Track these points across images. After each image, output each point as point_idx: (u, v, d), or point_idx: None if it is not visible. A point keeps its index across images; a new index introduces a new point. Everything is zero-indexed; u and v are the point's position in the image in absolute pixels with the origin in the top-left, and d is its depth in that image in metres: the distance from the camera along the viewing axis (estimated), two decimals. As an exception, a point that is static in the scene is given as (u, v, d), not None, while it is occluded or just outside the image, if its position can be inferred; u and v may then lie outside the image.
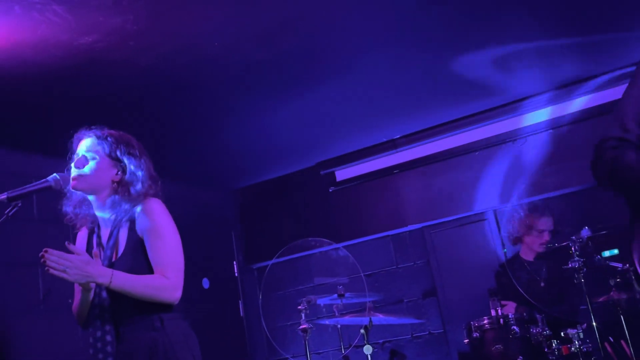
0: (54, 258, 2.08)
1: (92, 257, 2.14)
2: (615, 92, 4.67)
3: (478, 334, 3.70)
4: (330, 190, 5.64)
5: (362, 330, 3.98)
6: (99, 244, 2.33)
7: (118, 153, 2.31)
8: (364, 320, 3.99)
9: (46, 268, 2.08)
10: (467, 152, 5.17)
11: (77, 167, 2.28)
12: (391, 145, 5.40)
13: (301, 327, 3.84)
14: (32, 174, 3.99)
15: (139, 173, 2.32)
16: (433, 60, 3.97)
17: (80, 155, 2.30)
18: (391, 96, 4.48)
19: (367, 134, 5.20)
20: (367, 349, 3.93)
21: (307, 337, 3.85)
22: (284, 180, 5.86)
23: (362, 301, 4.20)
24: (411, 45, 3.73)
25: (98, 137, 2.33)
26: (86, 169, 2.27)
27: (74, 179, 2.26)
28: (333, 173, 5.65)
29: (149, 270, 2.22)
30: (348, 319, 4.17)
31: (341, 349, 4.31)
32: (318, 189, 5.68)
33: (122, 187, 2.29)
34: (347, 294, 4.13)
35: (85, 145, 2.32)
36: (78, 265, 2.08)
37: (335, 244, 5.16)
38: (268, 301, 5.70)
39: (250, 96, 4.04)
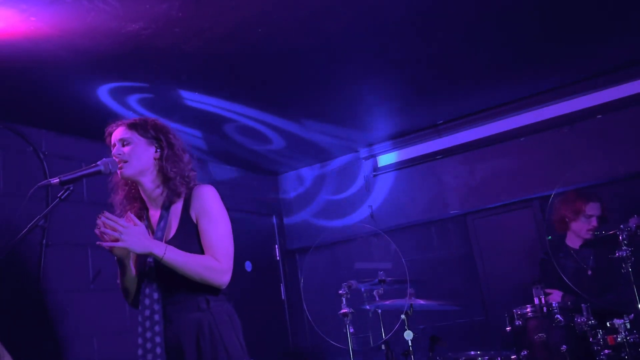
0: (110, 223, 2.14)
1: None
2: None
3: (520, 322, 3.66)
4: (372, 176, 5.64)
5: (402, 316, 3.98)
6: (148, 226, 2.40)
7: (151, 132, 2.40)
8: (405, 305, 3.99)
9: (100, 232, 2.15)
10: (511, 138, 5.09)
11: (117, 155, 2.35)
12: (434, 130, 5.35)
13: (342, 311, 3.86)
14: (81, 158, 4.14)
15: (177, 145, 2.41)
16: (476, 42, 3.90)
17: (118, 143, 2.38)
18: (434, 80, 4.43)
19: (410, 118, 5.15)
20: (408, 334, 3.93)
21: (348, 322, 3.87)
22: (326, 164, 5.88)
23: (403, 287, 4.19)
24: (455, 23, 3.67)
25: (127, 125, 2.41)
26: (126, 156, 2.35)
27: (119, 168, 2.33)
28: (376, 158, 5.64)
29: (201, 253, 2.27)
30: (389, 304, 4.18)
31: (382, 333, 4.32)
32: (360, 173, 5.68)
33: (167, 162, 2.36)
34: (388, 280, 4.13)
35: (117, 135, 2.39)
36: (134, 232, 2.16)
37: (377, 229, 5.16)
38: (309, 286, 5.75)
39: (293, 83, 4.06)
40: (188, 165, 2.42)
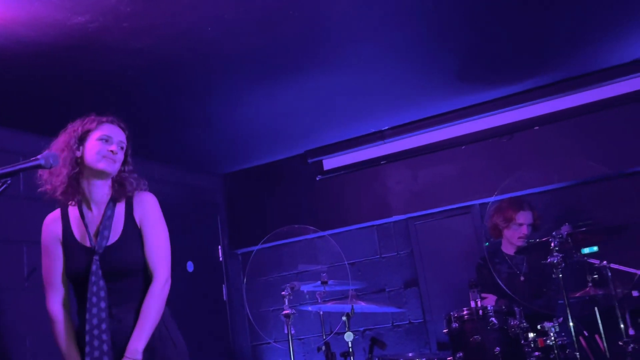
0: None
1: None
2: (602, 92, 4.75)
3: (457, 325, 3.77)
4: (317, 179, 5.68)
5: (343, 318, 4.03)
6: (83, 222, 2.42)
7: (129, 146, 2.53)
8: (346, 307, 4.04)
9: None
10: (453, 145, 5.23)
11: (116, 152, 2.43)
12: (379, 136, 5.44)
13: (284, 312, 3.88)
14: (20, 152, 4.01)
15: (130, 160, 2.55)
16: (425, 49, 4.00)
17: (116, 143, 2.45)
18: (382, 87, 4.52)
19: (356, 124, 5.23)
20: (348, 336, 3.98)
21: (289, 323, 3.89)
22: (272, 167, 5.89)
23: (344, 289, 4.25)
24: (404, 35, 3.76)
25: (126, 132, 2.51)
26: (118, 157, 2.44)
27: (113, 161, 2.41)
28: (321, 162, 5.69)
29: (143, 257, 2.38)
30: (330, 306, 4.22)
31: (323, 335, 4.37)
32: (305, 176, 5.72)
33: (126, 173, 2.49)
34: (330, 282, 4.18)
35: (120, 136, 2.48)
36: None
37: (321, 232, 5.21)
38: (252, 286, 5.74)
39: (243, 82, 4.06)
40: (133, 170, 2.53)
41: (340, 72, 4.14)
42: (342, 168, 5.63)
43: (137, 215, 2.42)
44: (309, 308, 4.29)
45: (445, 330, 3.89)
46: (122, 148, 2.47)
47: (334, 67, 4.04)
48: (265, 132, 5.09)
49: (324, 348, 4.32)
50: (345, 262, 4.40)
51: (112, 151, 2.40)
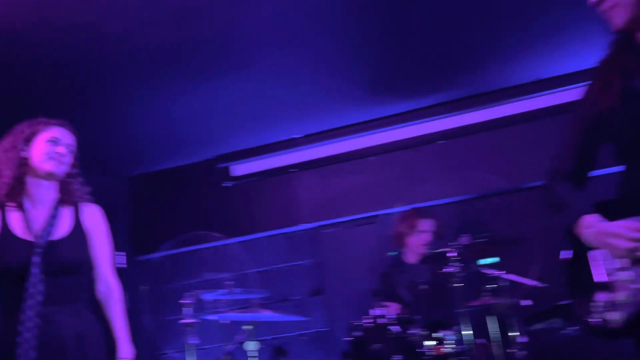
0: None
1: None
2: (503, 110, 4.99)
3: (359, 333, 3.80)
4: (226, 185, 5.59)
5: (247, 327, 3.98)
6: (26, 221, 2.37)
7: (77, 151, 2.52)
8: (250, 316, 3.99)
9: None
10: (363, 156, 5.31)
11: (64, 154, 2.42)
12: (291, 143, 5.44)
13: (186, 321, 3.78)
14: None
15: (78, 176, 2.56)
16: (337, 61, 4.04)
17: (65, 145, 2.44)
18: (294, 95, 4.52)
19: (267, 130, 5.21)
20: (252, 345, 3.93)
21: (191, 332, 3.79)
22: (180, 171, 5.74)
23: (249, 297, 4.20)
24: (318, 45, 3.79)
25: (73, 134, 2.50)
26: (66, 160, 2.44)
27: (61, 162, 2.40)
28: (230, 168, 5.60)
29: (89, 259, 2.43)
30: (234, 315, 4.15)
31: (226, 344, 4.28)
32: (214, 182, 5.62)
33: (73, 177, 2.51)
34: (235, 290, 4.11)
35: (68, 139, 2.47)
36: None
37: (228, 239, 5.12)
38: (155, 295, 5.56)
39: (150, 82, 3.94)
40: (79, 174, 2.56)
41: (255, 78, 4.11)
42: (252, 175, 5.58)
43: (86, 224, 2.46)
44: (213, 317, 4.20)
45: (347, 339, 3.92)
46: (70, 151, 2.46)
47: (248, 71, 4.01)
48: (174, 135, 4.97)
49: (227, 358, 4.24)
50: (251, 270, 4.34)
51: (59, 153, 2.40)
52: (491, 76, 4.70)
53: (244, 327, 3.99)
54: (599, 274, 1.70)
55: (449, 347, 3.53)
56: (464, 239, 3.74)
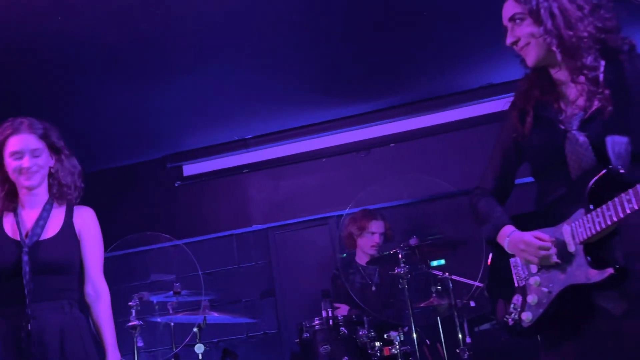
0: None
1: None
2: (451, 115, 5.09)
3: (308, 334, 3.80)
4: (176, 185, 5.51)
5: (195, 329, 3.93)
6: (18, 224, 2.40)
7: (54, 141, 2.45)
8: (198, 318, 3.94)
9: None
10: (314, 158, 5.32)
11: (31, 166, 2.36)
12: (243, 144, 5.40)
13: (130, 324, 3.70)
14: None
15: (68, 152, 2.51)
16: (290, 62, 4.04)
17: (28, 154, 2.37)
18: (246, 95, 4.49)
19: (219, 130, 5.16)
20: (199, 348, 3.87)
21: (136, 335, 3.71)
22: (128, 170, 5.61)
23: (198, 299, 4.14)
24: (270, 46, 3.77)
25: (38, 135, 2.41)
26: (36, 167, 2.38)
27: (30, 175, 2.36)
28: (180, 167, 5.52)
29: (77, 261, 2.44)
30: (181, 317, 4.08)
31: (172, 347, 4.20)
32: (164, 182, 5.52)
33: (62, 171, 2.47)
34: (183, 292, 4.05)
35: (30, 144, 2.38)
36: None
37: (176, 240, 5.04)
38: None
39: (99, 80, 3.85)
40: (79, 176, 2.54)
41: (207, 77, 4.07)
42: (202, 175, 5.51)
43: (78, 226, 2.47)
44: (159, 319, 4.12)
45: (296, 340, 3.91)
46: (36, 156, 2.38)
47: (200, 71, 3.96)
48: (123, 134, 4.86)
49: (173, 360, 4.17)
50: (200, 272, 4.28)
51: (25, 167, 2.35)
52: (443, 81, 4.79)
53: (192, 329, 3.93)
54: (515, 279, 1.93)
55: (397, 348, 3.56)
56: (413, 241, 3.79)
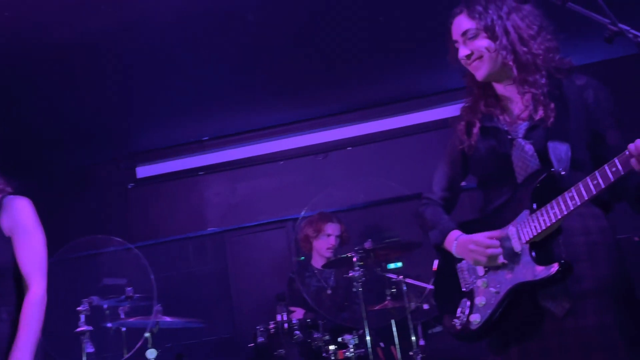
0: None
1: None
2: (407, 119, 5.14)
3: (263, 339, 3.77)
4: (129, 187, 5.40)
5: (147, 334, 3.85)
6: None
7: None
8: (151, 323, 3.87)
9: None
10: (272, 160, 5.30)
11: None
12: (199, 146, 5.33)
13: (79, 329, 3.60)
14: None
15: None
16: (248, 63, 4.01)
17: None
18: (203, 96, 4.44)
19: (175, 131, 5.08)
20: (151, 353, 3.80)
21: (85, 341, 3.62)
22: (80, 171, 5.47)
23: (150, 304, 4.06)
24: (227, 47, 3.73)
25: None
26: None
27: None
28: (134, 169, 5.42)
29: (14, 265, 2.24)
30: (133, 322, 4.00)
31: (124, 352, 4.12)
32: (117, 183, 5.41)
33: None
34: (135, 296, 3.97)
35: None
36: None
37: (128, 243, 4.93)
38: (49, 302, 5.25)
39: (51, 77, 3.74)
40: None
41: (161, 76, 3.99)
42: (157, 177, 5.41)
43: (6, 223, 2.25)
44: (110, 324, 4.03)
45: (251, 345, 3.88)
46: None
47: (155, 70, 3.88)
48: (73, 133, 4.73)
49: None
50: (152, 276, 4.20)
51: None
52: (400, 86, 4.83)
53: (144, 334, 3.86)
54: (462, 283, 1.98)
55: (351, 351, 3.56)
56: (368, 244, 3.80)
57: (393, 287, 3.95)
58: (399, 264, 4.59)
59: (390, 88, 4.86)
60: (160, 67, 3.86)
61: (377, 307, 3.91)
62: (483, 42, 1.90)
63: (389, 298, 3.93)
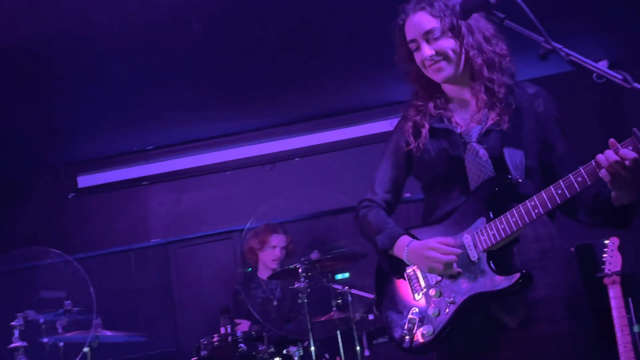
0: None
1: None
2: (353, 131, 5.19)
3: (206, 352, 3.70)
4: (69, 197, 5.23)
5: (86, 349, 3.73)
6: None
7: None
8: (90, 337, 3.75)
9: None
10: (218, 170, 5.24)
11: None
12: (143, 155, 5.23)
13: (12, 345, 3.45)
14: None
15: None
16: (194, 71, 3.96)
17: None
18: (147, 104, 4.36)
19: (118, 140, 4.97)
20: (90, 369, 3.68)
21: (19, 358, 3.47)
22: (15, 180, 5.26)
23: (90, 317, 3.93)
24: (172, 54, 3.68)
25: None
26: None
27: None
28: (75, 178, 5.25)
29: None
30: (72, 336, 3.87)
31: (62, 368, 3.97)
32: (57, 193, 5.23)
33: None
34: (74, 310, 3.85)
35: None
36: None
37: (67, 255, 4.77)
38: (-18, 316, 5.02)
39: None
40: None
41: (105, 83, 3.90)
42: (99, 187, 5.27)
43: None
44: (46, 340, 3.87)
45: (194, 358, 3.80)
46: None
47: (98, 76, 3.79)
48: (10, 141, 4.55)
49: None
50: (91, 289, 4.07)
51: None
52: (347, 98, 4.88)
53: (83, 349, 3.74)
54: (412, 292, 1.87)
55: (296, 363, 3.55)
56: (314, 255, 3.80)
57: (339, 297, 3.96)
58: (347, 275, 4.61)
59: (337, 100, 4.90)
60: (103, 74, 3.78)
61: (322, 318, 3.91)
62: (449, 43, 1.81)
63: (334, 309, 3.94)
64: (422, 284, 1.85)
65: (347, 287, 3.90)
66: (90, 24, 3.19)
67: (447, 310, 1.76)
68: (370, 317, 3.93)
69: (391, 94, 4.87)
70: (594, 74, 1.40)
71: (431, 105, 1.92)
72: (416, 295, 1.86)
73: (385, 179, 2.03)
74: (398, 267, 1.91)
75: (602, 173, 1.53)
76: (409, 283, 1.88)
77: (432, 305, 1.80)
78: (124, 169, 5.27)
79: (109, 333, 3.89)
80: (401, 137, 1.98)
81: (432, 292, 1.81)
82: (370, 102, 5.06)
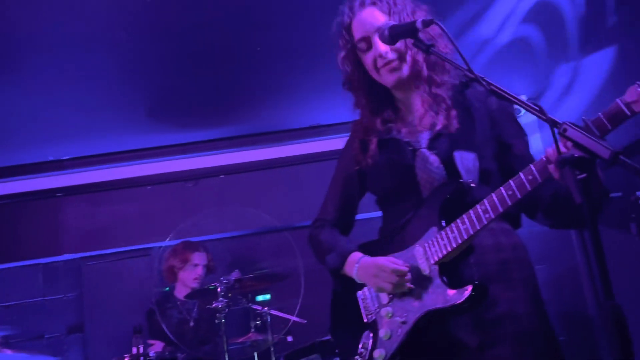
0: None
1: None
2: (279, 151, 5.18)
3: (116, 374, 3.55)
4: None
5: (-17, 370, 3.47)
6: None
7: None
8: (-11, 357, 3.49)
9: None
10: (138, 185, 5.08)
11: None
12: (57, 165, 4.99)
13: None
14: None
15: None
16: (115, 81, 3.83)
17: None
18: (64, 113, 4.16)
19: (30, 150, 4.71)
20: (-15, 392, 3.42)
21: None
22: None
23: (-12, 336, 3.67)
24: (93, 62, 3.54)
25: None
26: None
27: None
28: (-18, 187, 4.95)
29: None
30: (-33, 357, 3.59)
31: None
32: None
33: None
34: (-28, 327, 3.58)
35: None
36: None
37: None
38: None
39: None
40: None
41: (18, 87, 3.70)
42: (7, 196, 4.97)
43: None
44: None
45: (103, 380, 3.63)
46: None
47: (10, 80, 3.59)
48: None
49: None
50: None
51: None
52: (275, 117, 4.86)
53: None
54: (364, 313, 1.78)
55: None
56: (235, 274, 3.73)
57: (258, 319, 3.90)
58: (268, 297, 4.55)
59: (265, 119, 4.88)
60: (17, 79, 3.58)
61: (240, 340, 3.84)
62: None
63: (253, 330, 3.87)
64: (374, 305, 1.75)
65: (266, 308, 3.84)
66: (10, 25, 3.03)
67: (399, 331, 1.64)
68: (289, 338, 3.88)
69: (319, 116, 4.91)
70: (514, 105, 1.43)
71: (378, 120, 1.82)
72: (369, 317, 1.75)
73: (335, 198, 1.98)
74: (352, 288, 1.81)
75: (551, 168, 1.40)
76: (362, 304, 1.78)
77: (384, 327, 1.68)
78: (37, 178, 5.00)
79: (9, 352, 3.64)
80: (350, 155, 1.91)
81: (383, 312, 1.70)
82: (297, 123, 5.08)
